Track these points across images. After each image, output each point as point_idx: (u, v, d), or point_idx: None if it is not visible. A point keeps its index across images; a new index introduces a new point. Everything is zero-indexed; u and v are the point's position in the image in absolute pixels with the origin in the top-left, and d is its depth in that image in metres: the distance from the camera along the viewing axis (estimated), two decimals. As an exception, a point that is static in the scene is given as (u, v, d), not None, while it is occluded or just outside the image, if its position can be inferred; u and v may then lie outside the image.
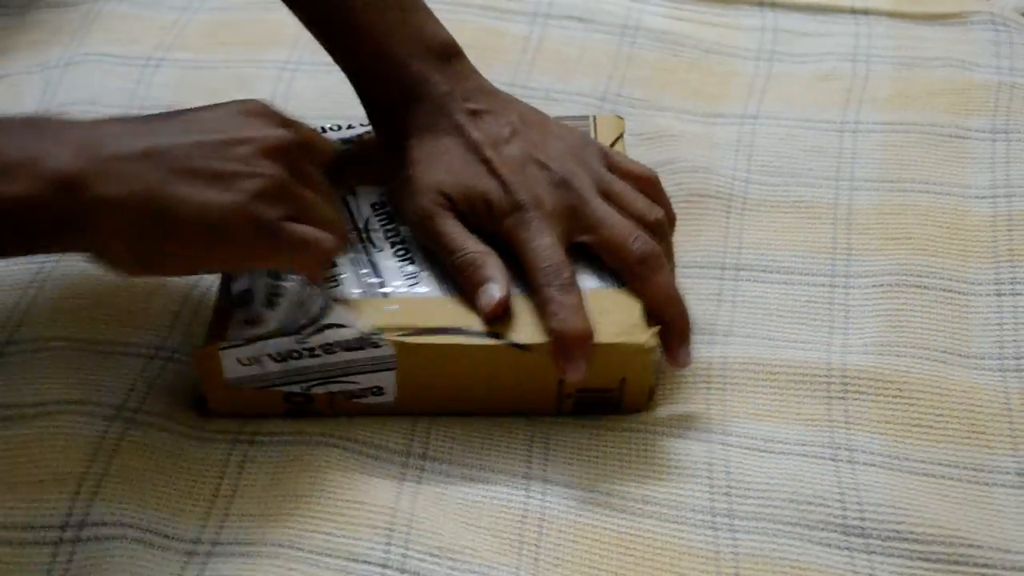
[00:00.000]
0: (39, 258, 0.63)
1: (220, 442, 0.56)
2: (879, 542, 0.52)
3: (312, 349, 0.54)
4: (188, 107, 0.54)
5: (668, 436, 0.56)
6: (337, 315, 0.54)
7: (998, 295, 0.62)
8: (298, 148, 0.53)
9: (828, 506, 0.53)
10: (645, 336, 0.55)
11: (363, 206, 0.60)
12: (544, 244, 0.55)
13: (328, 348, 0.54)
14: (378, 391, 0.56)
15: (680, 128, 0.72)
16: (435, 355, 0.55)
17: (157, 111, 0.72)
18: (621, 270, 0.57)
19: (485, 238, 0.57)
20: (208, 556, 0.51)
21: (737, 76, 0.75)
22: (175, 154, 0.50)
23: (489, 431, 0.57)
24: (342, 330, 0.54)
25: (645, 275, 0.56)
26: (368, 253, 0.58)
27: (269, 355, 0.54)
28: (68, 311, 0.61)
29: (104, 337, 0.60)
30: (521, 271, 0.56)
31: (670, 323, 0.56)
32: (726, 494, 0.54)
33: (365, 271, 0.57)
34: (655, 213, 0.59)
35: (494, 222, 0.57)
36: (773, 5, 0.80)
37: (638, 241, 0.56)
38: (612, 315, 0.55)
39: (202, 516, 0.52)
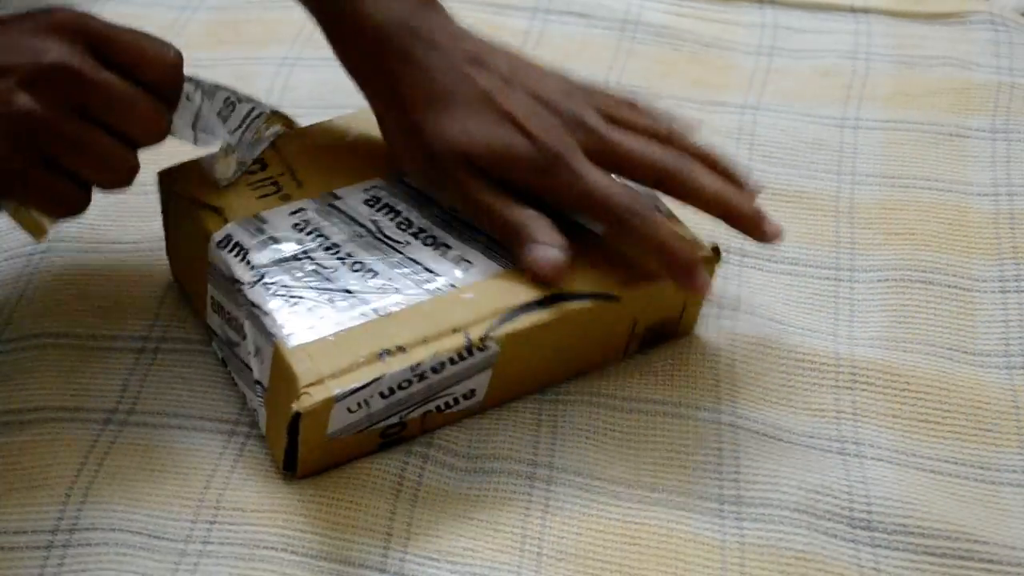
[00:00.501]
0: (26, 251, 0.63)
1: (214, 437, 0.55)
2: (884, 535, 0.52)
3: (422, 374, 0.51)
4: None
5: (679, 418, 0.56)
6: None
7: (1003, 292, 0.62)
8: (87, 71, 0.49)
9: (836, 497, 0.53)
10: (707, 249, 0.55)
11: (359, 207, 0.56)
12: (601, 181, 0.53)
13: (438, 368, 0.51)
14: (470, 395, 0.54)
15: (680, 113, 0.71)
16: (534, 335, 0.52)
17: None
18: (665, 187, 0.55)
19: (519, 193, 0.54)
20: (200, 556, 0.50)
21: (737, 69, 0.75)
22: None
23: (498, 417, 0.56)
24: (449, 340, 0.51)
25: (689, 184, 0.55)
26: (402, 252, 0.55)
27: (380, 392, 0.51)
28: (55, 304, 0.60)
29: (93, 331, 0.59)
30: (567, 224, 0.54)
31: (728, 212, 0.54)
32: (734, 480, 0.53)
33: (408, 270, 0.54)
34: (664, 122, 0.57)
35: (528, 175, 0.54)
36: (773, 3, 0.80)
37: (668, 155, 0.55)
38: None
39: (192, 515, 0.52)
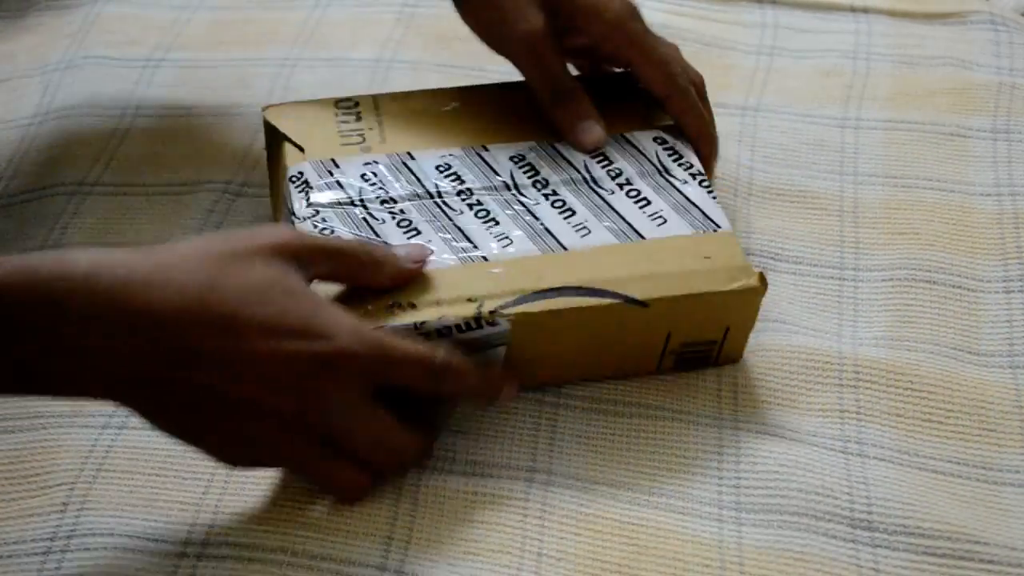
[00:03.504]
0: (36, 243, 0.63)
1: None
2: (885, 536, 0.51)
3: (427, 333, 0.52)
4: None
5: (679, 422, 0.56)
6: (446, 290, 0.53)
7: (1007, 292, 0.62)
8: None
9: (836, 498, 0.53)
10: (755, 279, 0.55)
11: (428, 171, 0.58)
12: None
13: (444, 331, 0.52)
14: None
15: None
16: (548, 321, 0.53)
17: (154, 111, 0.73)
18: None
19: None
20: (198, 559, 0.50)
21: (737, 69, 0.75)
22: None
23: (496, 422, 0.55)
24: (461, 307, 0.52)
25: None
26: (450, 219, 0.56)
27: None
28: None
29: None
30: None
31: None
32: (734, 486, 0.53)
33: (450, 236, 0.55)
34: None
35: None
36: (773, 2, 0.80)
37: None
38: (716, 260, 0.55)
39: (191, 520, 0.51)
